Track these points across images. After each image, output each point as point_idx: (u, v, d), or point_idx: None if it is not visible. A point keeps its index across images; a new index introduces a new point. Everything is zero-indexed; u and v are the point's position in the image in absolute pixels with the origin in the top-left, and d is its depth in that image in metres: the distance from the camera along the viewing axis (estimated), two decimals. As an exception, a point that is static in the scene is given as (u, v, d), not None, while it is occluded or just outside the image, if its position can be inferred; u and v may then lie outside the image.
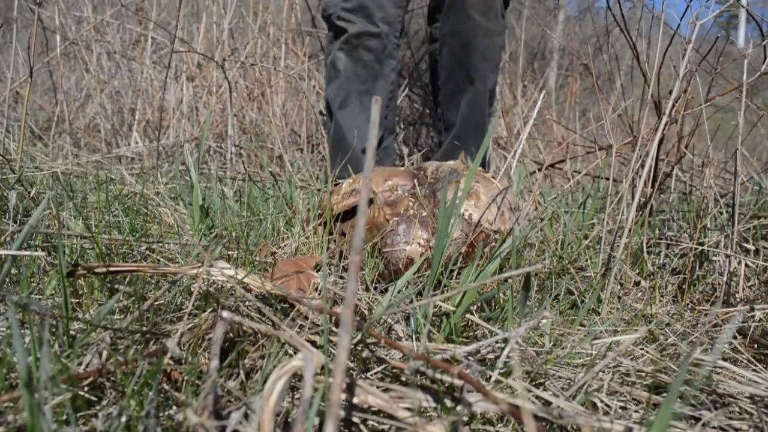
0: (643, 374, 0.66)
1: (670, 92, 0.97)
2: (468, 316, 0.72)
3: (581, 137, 2.11)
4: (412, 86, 2.99)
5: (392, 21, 1.73)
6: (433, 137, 2.90)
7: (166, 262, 0.88)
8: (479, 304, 0.80)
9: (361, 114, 1.77)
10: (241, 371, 0.57)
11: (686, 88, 1.09)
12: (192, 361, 0.53)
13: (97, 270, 0.61)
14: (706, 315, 0.93)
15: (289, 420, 0.49)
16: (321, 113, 2.66)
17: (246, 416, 0.46)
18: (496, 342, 0.64)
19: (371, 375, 0.60)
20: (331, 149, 1.81)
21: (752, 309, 0.88)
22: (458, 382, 0.50)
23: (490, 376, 0.58)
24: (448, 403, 0.50)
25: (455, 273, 0.92)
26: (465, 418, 0.51)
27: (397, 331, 0.72)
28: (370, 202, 1.00)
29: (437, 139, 2.16)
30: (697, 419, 0.57)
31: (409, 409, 0.48)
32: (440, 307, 0.73)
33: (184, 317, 0.63)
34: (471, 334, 0.75)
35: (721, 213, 1.23)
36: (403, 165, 2.60)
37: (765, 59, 1.05)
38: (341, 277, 0.97)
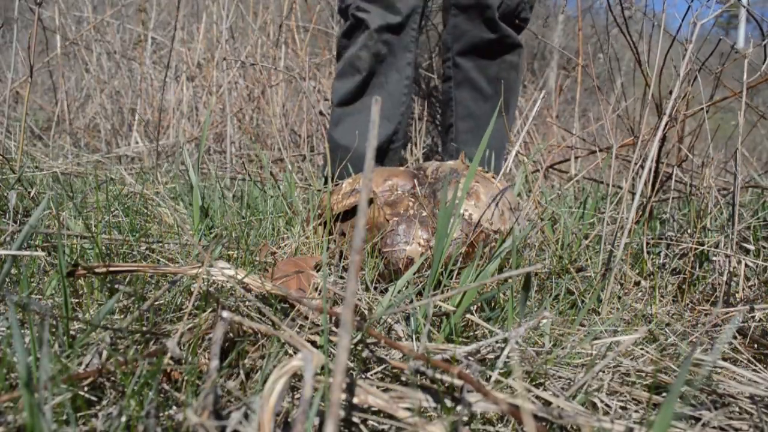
0: (643, 374, 0.66)
1: (671, 92, 0.97)
2: (468, 316, 0.72)
3: (581, 138, 2.11)
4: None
5: (412, 12, 1.69)
6: (433, 137, 2.90)
7: (166, 262, 0.88)
8: (479, 304, 0.80)
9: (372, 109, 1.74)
10: (241, 371, 0.57)
11: (687, 89, 1.09)
12: (192, 361, 0.53)
13: (97, 270, 0.61)
14: (706, 315, 0.92)
15: (289, 420, 0.49)
16: (321, 113, 2.66)
17: (246, 416, 0.46)
18: (496, 342, 0.64)
19: (371, 375, 0.60)
20: (332, 148, 1.77)
21: (752, 309, 0.88)
22: (458, 382, 0.50)
23: (490, 376, 0.58)
24: (448, 403, 0.50)
25: (455, 273, 0.92)
26: (465, 418, 0.51)
27: (397, 331, 0.72)
28: (370, 202, 1.00)
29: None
30: (697, 419, 0.57)
31: (409, 409, 0.48)
32: (440, 307, 0.73)
33: (184, 317, 0.63)
34: (471, 334, 0.75)
35: (721, 213, 1.23)
36: (403, 165, 2.60)
37: (765, 59, 1.05)
38: (341, 277, 0.97)
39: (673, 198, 1.43)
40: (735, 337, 0.82)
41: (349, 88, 1.73)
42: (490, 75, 1.80)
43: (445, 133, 1.98)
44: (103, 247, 0.83)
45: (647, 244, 1.12)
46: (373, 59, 1.69)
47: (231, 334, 0.59)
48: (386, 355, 0.64)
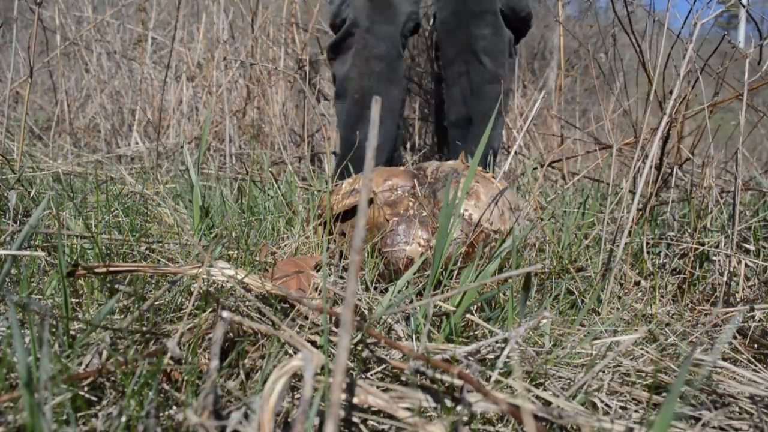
0: (643, 374, 0.65)
1: (671, 92, 0.97)
2: (468, 316, 0.72)
3: (581, 137, 2.11)
4: (410, 85, 2.99)
5: (407, 20, 1.67)
6: (434, 137, 2.89)
7: (166, 262, 0.88)
8: (479, 304, 0.80)
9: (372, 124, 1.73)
10: (241, 371, 0.57)
11: (688, 89, 1.09)
12: (192, 361, 0.53)
13: (97, 270, 0.61)
14: (706, 315, 0.92)
15: (289, 420, 0.49)
16: (321, 114, 2.66)
17: (246, 416, 0.46)
18: (496, 342, 0.64)
19: (371, 375, 0.60)
20: (342, 159, 1.76)
21: (752, 309, 0.88)
22: (458, 382, 0.50)
23: (490, 376, 0.58)
24: (448, 403, 0.49)
25: (455, 273, 0.92)
26: (465, 418, 0.51)
27: (397, 331, 0.72)
28: (370, 202, 1.00)
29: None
30: (697, 419, 0.57)
31: (409, 409, 0.48)
32: (440, 307, 0.73)
33: (184, 317, 0.63)
34: (471, 334, 0.75)
35: (722, 213, 1.23)
36: (403, 165, 2.60)
37: (760, 59, 1.05)
38: (341, 277, 0.97)
39: (673, 201, 1.43)
40: (735, 337, 0.82)
41: (348, 109, 1.72)
42: (482, 82, 1.75)
43: (441, 138, 1.96)
44: (103, 247, 0.83)
45: (647, 244, 1.12)
46: (365, 78, 1.67)
47: (231, 334, 0.59)
48: (386, 355, 0.64)
